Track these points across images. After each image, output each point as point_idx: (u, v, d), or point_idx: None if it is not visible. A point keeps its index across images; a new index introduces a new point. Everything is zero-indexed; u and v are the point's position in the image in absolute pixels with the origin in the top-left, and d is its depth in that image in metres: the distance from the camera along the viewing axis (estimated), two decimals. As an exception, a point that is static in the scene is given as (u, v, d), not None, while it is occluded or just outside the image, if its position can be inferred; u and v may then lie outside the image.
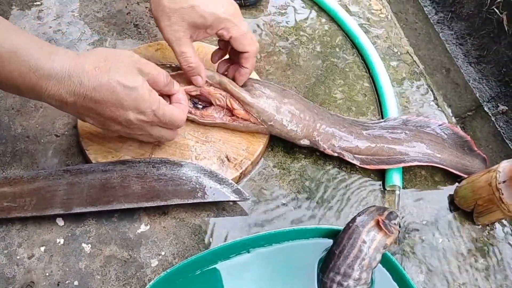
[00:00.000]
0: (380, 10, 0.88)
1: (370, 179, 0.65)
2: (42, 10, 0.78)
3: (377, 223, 0.51)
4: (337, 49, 0.81)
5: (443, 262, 0.58)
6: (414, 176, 0.66)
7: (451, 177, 0.66)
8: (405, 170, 0.65)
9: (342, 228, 0.53)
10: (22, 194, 0.55)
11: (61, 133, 0.63)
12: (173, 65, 0.64)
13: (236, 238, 0.54)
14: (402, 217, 0.61)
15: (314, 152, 0.66)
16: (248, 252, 0.54)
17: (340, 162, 0.65)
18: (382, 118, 0.71)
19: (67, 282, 0.52)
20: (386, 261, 0.53)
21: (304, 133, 0.62)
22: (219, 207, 0.59)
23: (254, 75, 0.70)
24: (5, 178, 0.56)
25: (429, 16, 0.86)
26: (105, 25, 0.78)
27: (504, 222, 0.63)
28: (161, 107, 0.52)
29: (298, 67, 0.77)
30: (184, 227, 0.57)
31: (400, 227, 0.53)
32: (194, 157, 0.61)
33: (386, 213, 0.53)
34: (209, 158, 0.61)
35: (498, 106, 0.72)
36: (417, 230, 0.61)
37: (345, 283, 0.50)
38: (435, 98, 0.76)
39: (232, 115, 0.62)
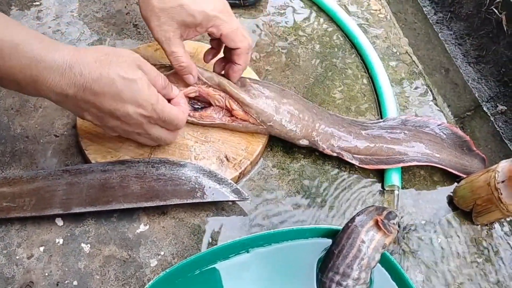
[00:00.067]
0: (379, 10, 0.89)
1: (369, 179, 0.65)
2: (42, 10, 0.78)
3: (376, 222, 0.51)
4: (336, 49, 0.81)
5: (442, 261, 0.58)
6: (413, 176, 0.66)
7: (450, 177, 0.66)
8: (404, 170, 0.66)
9: (341, 228, 0.53)
10: (21, 194, 0.55)
11: (60, 133, 0.64)
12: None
13: (235, 238, 0.54)
14: (401, 217, 0.61)
15: (313, 152, 0.66)
16: (247, 252, 0.54)
17: (339, 162, 0.65)
18: (381, 118, 0.71)
19: (66, 282, 0.52)
20: (385, 261, 0.53)
21: (303, 133, 0.62)
22: (218, 207, 0.60)
23: (253, 75, 0.70)
24: (5, 178, 0.56)
25: (428, 16, 0.86)
26: (104, 25, 0.78)
27: (503, 222, 0.63)
28: (160, 102, 0.52)
29: (297, 67, 0.77)
30: (183, 227, 0.58)
31: (399, 227, 0.53)
32: (193, 157, 0.61)
33: (385, 213, 0.53)
34: (208, 158, 0.61)
35: (497, 106, 0.72)
36: (416, 230, 0.61)
37: (344, 283, 0.50)
38: (434, 98, 0.76)
39: (231, 115, 0.62)
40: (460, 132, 0.67)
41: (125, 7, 0.81)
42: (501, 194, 0.56)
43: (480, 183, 0.59)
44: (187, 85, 0.61)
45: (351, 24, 0.82)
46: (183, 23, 0.56)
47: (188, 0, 0.55)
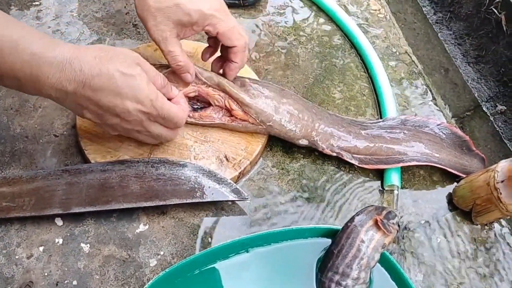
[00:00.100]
0: (379, 10, 0.89)
1: (368, 178, 0.65)
2: (41, 10, 0.78)
3: (376, 222, 0.51)
4: (336, 49, 0.81)
5: (441, 261, 0.58)
6: (412, 175, 0.66)
7: (449, 177, 0.66)
8: (404, 170, 0.66)
9: (341, 227, 0.53)
10: (21, 194, 0.55)
11: (60, 133, 0.64)
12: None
13: (235, 238, 0.54)
14: (401, 217, 0.61)
15: (312, 152, 0.66)
16: (247, 251, 0.54)
17: (339, 162, 0.65)
18: (381, 118, 0.71)
19: (66, 282, 0.52)
20: (384, 261, 0.53)
21: (302, 133, 0.62)
22: (218, 207, 0.60)
23: (253, 75, 0.70)
24: (4, 178, 0.56)
25: (427, 16, 0.86)
26: (104, 25, 0.78)
27: (502, 221, 0.63)
28: (159, 99, 0.52)
29: (297, 67, 0.77)
30: (183, 226, 0.58)
31: (398, 226, 0.53)
32: (193, 157, 0.61)
33: (384, 212, 0.53)
34: (208, 158, 0.61)
35: (497, 106, 0.72)
36: (416, 229, 0.61)
37: (343, 283, 0.50)
38: (434, 98, 0.76)
39: (231, 115, 0.62)
40: (460, 132, 0.67)
41: (125, 7, 0.81)
42: (501, 193, 0.56)
43: (479, 183, 0.59)
44: (186, 83, 0.61)
45: (351, 24, 0.82)
46: (179, 22, 0.56)
47: None
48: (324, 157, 0.65)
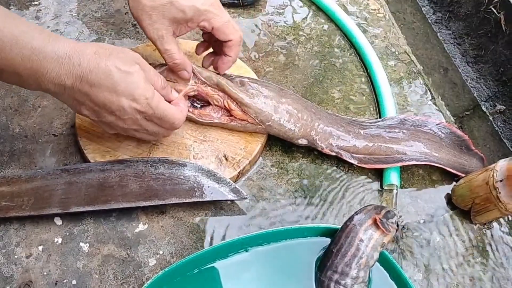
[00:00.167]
0: (378, 9, 0.89)
1: (367, 178, 0.65)
2: (40, 10, 0.78)
3: (375, 221, 0.51)
4: (335, 49, 0.81)
5: (440, 260, 0.58)
6: (411, 175, 0.66)
7: (448, 176, 0.66)
8: (403, 169, 0.66)
9: (340, 226, 0.53)
10: (20, 194, 0.55)
11: (59, 132, 0.64)
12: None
13: (234, 237, 0.54)
14: (400, 216, 0.61)
15: (312, 152, 0.66)
16: (246, 251, 0.54)
17: (338, 162, 0.65)
18: (380, 117, 0.71)
19: (65, 281, 0.52)
20: (383, 260, 0.53)
21: (302, 132, 0.62)
22: (217, 206, 0.60)
23: (252, 75, 0.70)
24: (3, 177, 0.56)
25: (427, 16, 0.86)
26: (103, 25, 0.78)
27: (501, 221, 0.63)
28: (155, 98, 0.52)
29: (296, 66, 0.77)
30: (182, 226, 0.58)
31: (397, 225, 0.53)
32: (192, 156, 0.61)
33: (383, 211, 0.53)
34: (207, 157, 0.61)
35: (496, 106, 0.72)
36: (415, 229, 0.61)
37: (342, 282, 0.50)
38: (433, 98, 0.76)
39: (230, 115, 0.62)
40: (459, 131, 0.67)
41: (124, 6, 0.81)
42: (500, 193, 0.56)
43: (478, 182, 0.59)
44: (184, 81, 0.61)
45: (350, 24, 0.82)
46: (174, 19, 0.56)
47: None
48: (323, 156, 0.65)
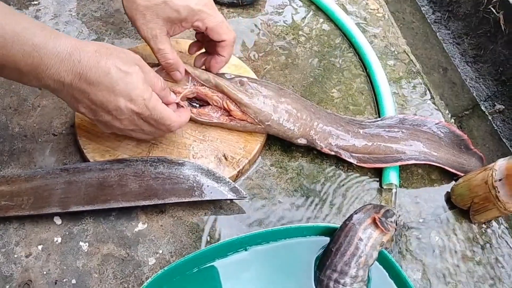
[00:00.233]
0: (377, 9, 0.89)
1: (367, 177, 0.65)
2: (40, 10, 0.78)
3: (374, 220, 0.51)
4: (334, 48, 0.81)
5: (439, 259, 0.58)
6: (410, 174, 0.66)
7: (447, 176, 0.66)
8: (402, 169, 0.66)
9: (339, 226, 0.53)
10: (19, 193, 0.55)
11: (58, 132, 0.64)
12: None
13: (234, 236, 0.54)
14: (399, 215, 0.61)
15: (311, 151, 0.66)
16: (246, 250, 0.54)
17: (337, 161, 0.65)
18: (379, 117, 0.71)
19: (64, 280, 0.52)
20: (382, 259, 0.53)
21: (301, 132, 0.62)
22: (217, 206, 0.60)
23: (251, 74, 0.71)
24: (3, 177, 0.56)
25: (426, 16, 0.86)
26: (102, 25, 0.78)
27: (500, 220, 0.63)
28: (152, 100, 0.52)
29: (295, 66, 0.77)
30: (182, 225, 0.58)
31: (396, 224, 0.53)
32: (191, 155, 0.61)
33: (382, 211, 0.53)
34: (207, 156, 0.61)
35: (495, 105, 0.72)
36: (414, 228, 0.61)
37: (342, 281, 0.50)
38: (432, 97, 0.76)
39: (229, 115, 0.62)
40: (458, 131, 0.67)
41: (124, 6, 0.81)
42: (499, 192, 0.56)
43: (477, 181, 0.59)
44: (183, 83, 0.61)
45: (349, 23, 0.82)
46: (168, 19, 0.56)
47: None
48: (322, 156, 0.65)
